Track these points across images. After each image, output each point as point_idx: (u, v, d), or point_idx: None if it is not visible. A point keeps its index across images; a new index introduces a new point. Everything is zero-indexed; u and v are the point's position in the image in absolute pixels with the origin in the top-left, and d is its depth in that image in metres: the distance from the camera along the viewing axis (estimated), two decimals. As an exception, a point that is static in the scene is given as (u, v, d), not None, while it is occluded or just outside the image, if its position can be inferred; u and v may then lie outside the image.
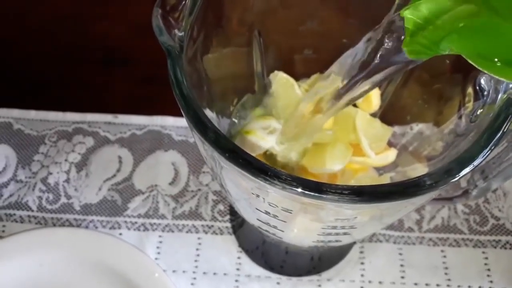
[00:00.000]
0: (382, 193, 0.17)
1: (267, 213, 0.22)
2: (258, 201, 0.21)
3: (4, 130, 0.46)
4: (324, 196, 0.17)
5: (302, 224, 0.23)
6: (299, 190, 0.17)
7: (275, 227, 0.25)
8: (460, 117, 0.25)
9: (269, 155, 0.29)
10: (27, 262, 0.38)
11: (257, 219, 0.25)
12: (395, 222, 0.41)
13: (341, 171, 0.28)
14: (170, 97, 0.48)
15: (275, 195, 0.19)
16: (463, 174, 0.19)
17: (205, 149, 0.21)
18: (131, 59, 0.51)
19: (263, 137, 0.28)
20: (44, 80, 0.49)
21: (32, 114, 0.47)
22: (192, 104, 0.20)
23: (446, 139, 0.27)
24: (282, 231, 0.25)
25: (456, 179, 0.19)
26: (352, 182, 0.29)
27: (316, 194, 0.17)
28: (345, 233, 0.23)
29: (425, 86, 0.28)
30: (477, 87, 0.23)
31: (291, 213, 0.21)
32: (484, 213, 0.41)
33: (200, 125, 0.19)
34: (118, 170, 0.44)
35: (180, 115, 0.46)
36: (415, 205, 0.26)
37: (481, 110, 0.22)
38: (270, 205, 0.21)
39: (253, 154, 0.28)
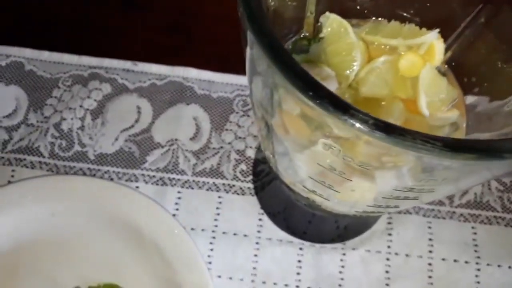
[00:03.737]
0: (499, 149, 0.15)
1: (331, 169, 0.20)
2: (324, 154, 0.19)
3: (15, 71, 0.43)
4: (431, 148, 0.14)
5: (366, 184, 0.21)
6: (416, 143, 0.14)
7: (330, 186, 0.22)
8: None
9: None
10: (38, 211, 0.36)
11: (310, 177, 0.23)
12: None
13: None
14: (195, 48, 0.46)
15: (362, 148, 0.17)
16: None
17: (272, 81, 0.18)
18: (153, 4, 0.47)
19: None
20: (59, 21, 0.46)
21: (46, 55, 0.44)
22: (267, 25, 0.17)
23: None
24: (337, 192, 0.23)
25: None
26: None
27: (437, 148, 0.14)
28: (410, 198, 0.21)
29: (495, 49, 0.25)
30: None
31: (367, 169, 0.19)
32: (518, 191, 0.40)
33: (277, 49, 0.16)
34: (137, 121, 0.41)
35: (203, 67, 0.44)
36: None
37: None
38: (345, 158, 0.18)
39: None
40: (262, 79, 0.20)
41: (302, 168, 0.25)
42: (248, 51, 0.19)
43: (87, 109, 0.41)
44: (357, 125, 0.15)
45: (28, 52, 0.43)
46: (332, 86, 0.28)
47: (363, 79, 0.26)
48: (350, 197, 0.23)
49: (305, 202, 0.32)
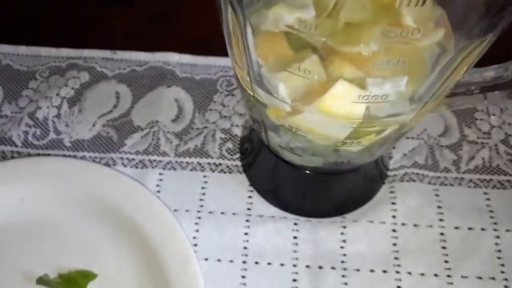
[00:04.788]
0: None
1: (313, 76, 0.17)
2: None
3: (-9, 66, 0.41)
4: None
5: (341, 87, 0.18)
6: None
7: (310, 103, 0.19)
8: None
9: (290, 35, 0.25)
10: (5, 196, 0.33)
11: (291, 100, 0.20)
12: (428, 161, 0.36)
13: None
14: (176, 36, 0.44)
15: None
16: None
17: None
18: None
19: (288, 9, 0.23)
20: (38, 17, 0.45)
21: (23, 49, 0.42)
22: None
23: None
24: (321, 108, 0.20)
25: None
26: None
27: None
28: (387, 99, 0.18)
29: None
30: None
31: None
32: (530, 154, 0.36)
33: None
34: (115, 106, 0.39)
35: (185, 51, 0.42)
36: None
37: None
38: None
39: (275, 31, 0.23)
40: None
41: (283, 89, 0.22)
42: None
43: (64, 97, 0.39)
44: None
45: (5, 48, 0.42)
46: (309, 13, 0.26)
47: (342, 5, 0.24)
48: (336, 109, 0.21)
49: (294, 158, 0.29)
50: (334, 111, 0.20)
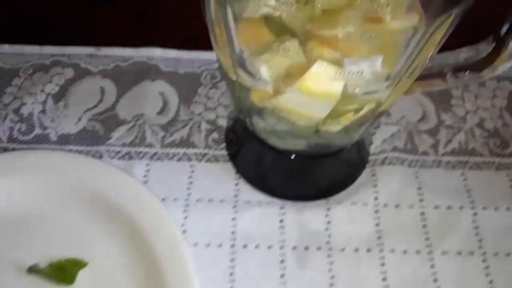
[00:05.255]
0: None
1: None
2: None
3: (-27, 65, 0.41)
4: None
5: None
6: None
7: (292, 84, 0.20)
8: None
9: (270, 21, 0.26)
10: (-8, 190, 0.33)
11: (273, 80, 0.21)
12: (408, 145, 0.37)
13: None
14: (158, 34, 0.45)
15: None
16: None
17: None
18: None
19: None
20: (20, 15, 0.45)
21: (6, 48, 0.42)
22: None
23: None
24: (302, 89, 0.20)
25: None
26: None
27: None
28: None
29: None
30: None
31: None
32: (504, 136, 0.38)
33: None
34: (100, 101, 0.39)
35: (169, 47, 0.43)
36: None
37: None
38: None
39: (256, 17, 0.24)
40: None
41: (265, 71, 0.23)
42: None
43: (49, 94, 0.40)
44: None
45: (-13, 47, 0.42)
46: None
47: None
48: (316, 88, 0.22)
49: (278, 143, 0.30)
50: (314, 90, 0.21)
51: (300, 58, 0.21)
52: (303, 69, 0.21)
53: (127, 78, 0.41)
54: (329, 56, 0.22)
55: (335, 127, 0.25)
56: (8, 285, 0.30)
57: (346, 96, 0.22)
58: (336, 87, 0.21)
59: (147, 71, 0.41)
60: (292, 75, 0.22)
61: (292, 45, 0.22)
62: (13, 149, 0.37)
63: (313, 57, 0.21)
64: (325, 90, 0.22)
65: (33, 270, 0.31)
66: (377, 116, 0.26)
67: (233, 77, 0.24)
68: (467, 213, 0.34)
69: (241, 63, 0.23)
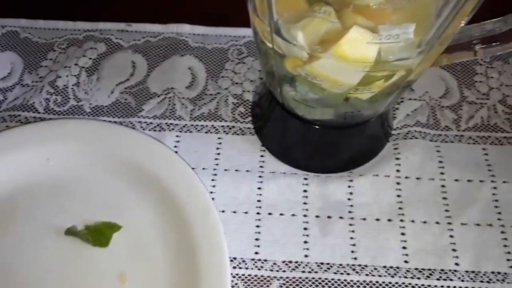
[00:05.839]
0: None
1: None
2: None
3: (10, 39, 0.43)
4: None
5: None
6: None
7: (327, 50, 0.21)
8: None
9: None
10: (32, 156, 0.35)
11: (308, 45, 0.21)
12: (430, 120, 0.38)
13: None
14: (188, 8, 0.46)
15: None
16: None
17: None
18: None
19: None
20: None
21: (41, 23, 0.44)
22: None
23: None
24: (337, 54, 0.21)
25: None
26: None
27: None
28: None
29: None
30: None
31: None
32: (526, 113, 0.38)
33: None
34: (132, 75, 0.41)
35: (196, 23, 0.44)
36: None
37: None
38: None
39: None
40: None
41: (301, 37, 0.24)
42: None
43: (82, 67, 0.41)
44: None
45: (23, 22, 0.44)
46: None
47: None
48: (351, 53, 0.22)
49: (306, 112, 0.31)
50: (349, 55, 0.22)
51: (336, 25, 0.22)
52: (338, 35, 0.22)
53: (157, 53, 0.42)
54: (363, 24, 0.23)
55: (365, 95, 0.26)
56: (47, 245, 0.32)
57: (379, 62, 0.23)
58: (371, 52, 0.22)
59: (176, 47, 0.42)
60: (327, 42, 0.23)
61: (330, 9, 0.22)
62: (50, 119, 0.39)
63: (347, 25, 0.22)
64: (360, 55, 0.23)
65: (70, 231, 0.33)
66: (404, 86, 0.27)
67: (270, 45, 0.25)
68: (487, 186, 0.35)
69: (277, 30, 0.24)
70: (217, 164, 0.36)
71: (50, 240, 0.33)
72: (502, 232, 0.33)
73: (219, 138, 0.38)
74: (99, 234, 0.33)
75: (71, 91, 0.40)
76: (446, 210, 0.34)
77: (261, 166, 0.36)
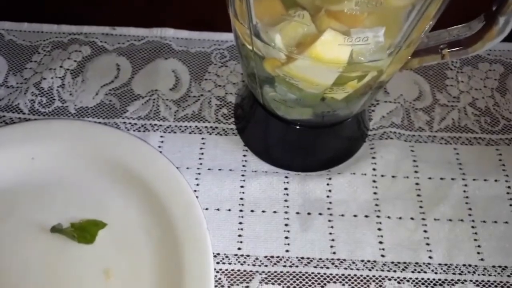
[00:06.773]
0: None
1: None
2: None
3: (-5, 42, 0.44)
4: None
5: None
6: None
7: (303, 51, 0.23)
8: None
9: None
10: (17, 156, 0.35)
11: (285, 47, 0.23)
12: (404, 122, 0.40)
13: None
14: (172, 13, 0.47)
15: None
16: None
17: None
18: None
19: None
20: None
21: (25, 26, 0.45)
22: None
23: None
24: (311, 55, 0.23)
25: None
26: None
27: None
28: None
29: None
30: None
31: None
32: (494, 114, 0.41)
33: None
34: (116, 77, 0.42)
35: (180, 27, 0.45)
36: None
37: None
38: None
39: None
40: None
41: (279, 39, 0.25)
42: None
43: (67, 69, 0.42)
44: None
45: (7, 24, 0.45)
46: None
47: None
48: (325, 54, 0.24)
49: (286, 112, 0.33)
50: (323, 56, 0.24)
51: (311, 28, 0.24)
52: (314, 38, 0.23)
53: (141, 56, 0.43)
54: (337, 28, 0.25)
55: (340, 95, 0.28)
56: (33, 243, 0.33)
57: (351, 63, 0.24)
58: (344, 54, 0.24)
59: (160, 50, 0.43)
60: (303, 44, 0.24)
61: (305, 13, 0.24)
62: (35, 120, 0.39)
63: (322, 28, 0.23)
64: (333, 57, 0.24)
65: (56, 229, 0.33)
66: (377, 87, 0.29)
67: (250, 47, 0.26)
68: (458, 184, 0.37)
69: (256, 33, 0.25)
70: (200, 164, 0.37)
71: (36, 238, 0.33)
72: (473, 227, 0.35)
73: (202, 138, 0.39)
74: (84, 232, 0.33)
75: (56, 92, 0.41)
76: (420, 207, 0.36)
77: (243, 165, 0.37)
